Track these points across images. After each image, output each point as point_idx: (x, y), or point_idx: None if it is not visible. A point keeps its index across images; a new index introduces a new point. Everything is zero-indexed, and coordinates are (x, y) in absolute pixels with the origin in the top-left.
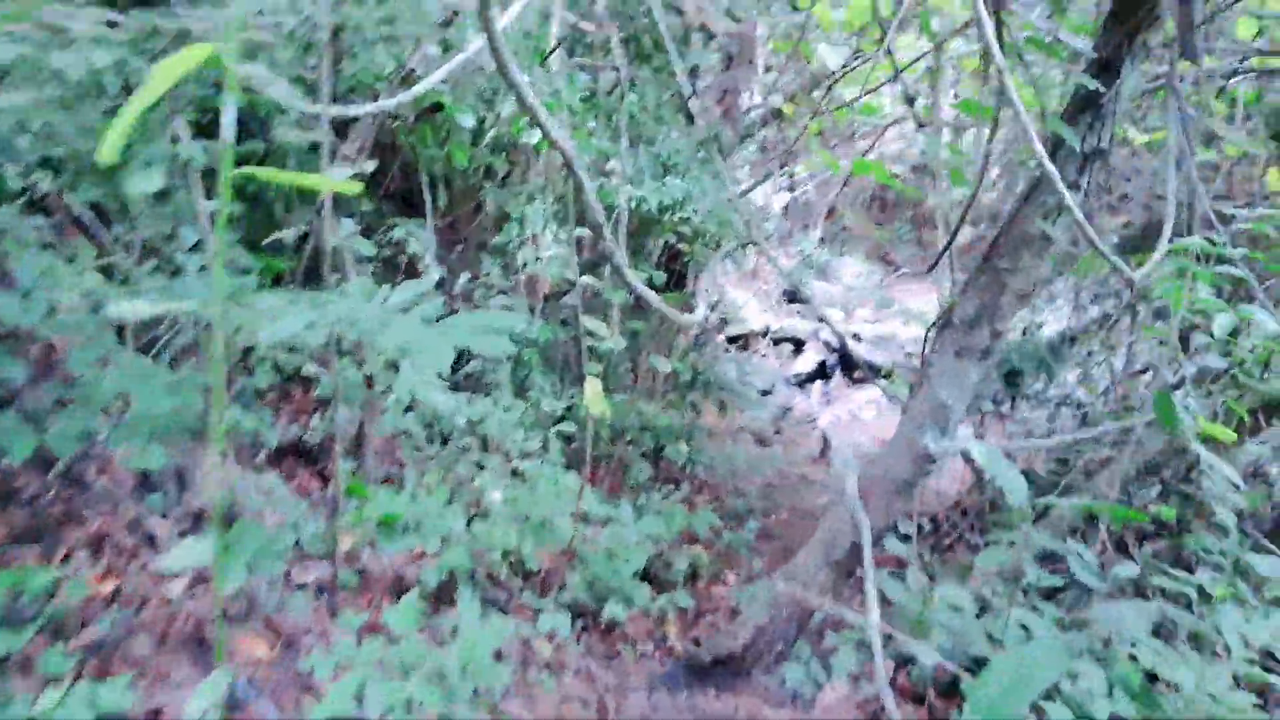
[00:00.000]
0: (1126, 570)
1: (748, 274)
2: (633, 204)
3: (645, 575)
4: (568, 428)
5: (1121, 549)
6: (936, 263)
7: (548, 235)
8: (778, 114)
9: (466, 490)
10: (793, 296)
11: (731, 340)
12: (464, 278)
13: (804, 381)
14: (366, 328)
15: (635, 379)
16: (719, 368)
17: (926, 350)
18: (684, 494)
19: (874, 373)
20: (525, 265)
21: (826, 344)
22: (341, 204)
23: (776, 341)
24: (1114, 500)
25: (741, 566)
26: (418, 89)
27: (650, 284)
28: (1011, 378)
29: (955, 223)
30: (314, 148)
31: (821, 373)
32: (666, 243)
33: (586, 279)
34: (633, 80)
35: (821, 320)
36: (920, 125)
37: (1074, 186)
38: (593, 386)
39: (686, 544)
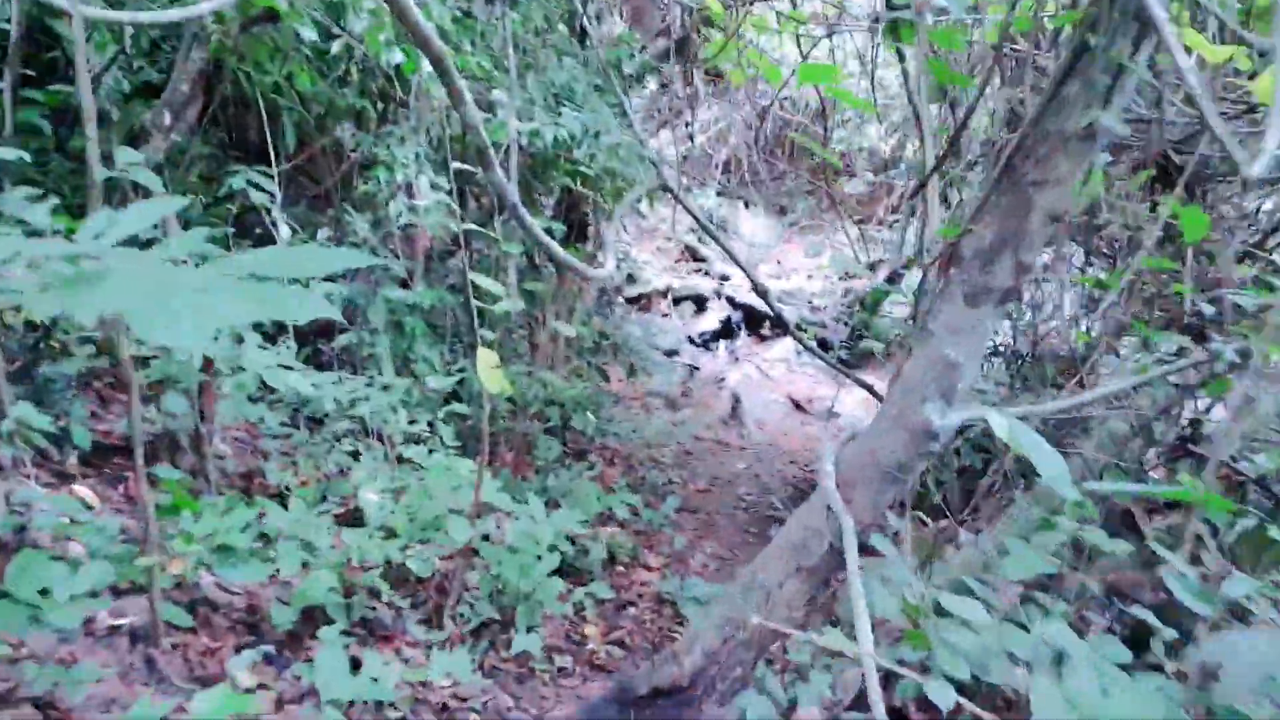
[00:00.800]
0: (1240, 586)
1: (645, 231)
2: (524, 139)
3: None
4: (460, 407)
5: (1129, 525)
6: (918, 190)
7: (424, 181)
8: (707, 22)
9: (339, 485)
10: (693, 253)
11: (631, 301)
12: (321, 234)
13: (709, 340)
14: (61, 279)
15: (534, 346)
16: (625, 329)
17: (922, 300)
18: (594, 469)
19: (783, 327)
20: (400, 217)
21: (730, 300)
22: (145, 140)
23: (678, 300)
24: (1106, 464)
25: (663, 545)
26: None
27: (549, 234)
28: None
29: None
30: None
31: (726, 331)
32: (564, 188)
33: (470, 226)
34: None
35: (727, 279)
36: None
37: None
38: (486, 359)
39: (600, 525)
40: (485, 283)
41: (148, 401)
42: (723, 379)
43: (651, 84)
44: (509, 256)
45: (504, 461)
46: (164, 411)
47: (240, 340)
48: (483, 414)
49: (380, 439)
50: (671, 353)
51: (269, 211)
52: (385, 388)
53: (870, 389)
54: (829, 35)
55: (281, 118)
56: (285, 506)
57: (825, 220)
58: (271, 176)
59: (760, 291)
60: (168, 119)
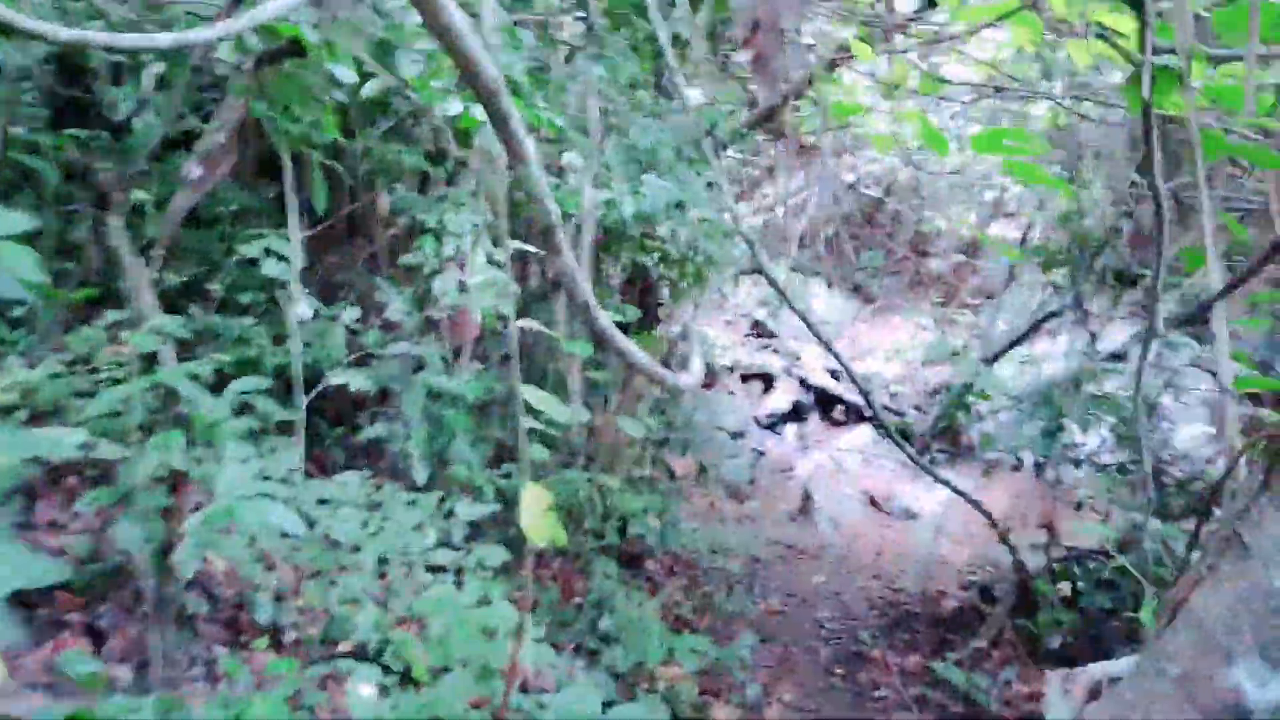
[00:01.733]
0: None
1: (711, 303)
2: (600, 212)
3: None
4: (497, 529)
5: None
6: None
7: (479, 255)
8: (842, 54)
9: (344, 621)
10: (761, 329)
11: None
12: (350, 313)
13: (776, 423)
14: None
15: (593, 435)
16: (697, 420)
17: (1224, 478)
18: (654, 593)
19: (859, 415)
20: (446, 296)
21: (801, 381)
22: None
23: (745, 378)
24: None
25: (733, 691)
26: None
27: (619, 324)
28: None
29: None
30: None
31: (796, 413)
32: (639, 266)
33: (527, 322)
34: (599, 48)
35: (798, 358)
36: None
37: None
38: (534, 500)
39: (660, 665)
40: (535, 396)
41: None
42: (792, 468)
43: (732, 152)
44: (573, 357)
45: (552, 575)
46: (118, 548)
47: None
48: (525, 577)
49: (400, 565)
50: (737, 435)
51: (285, 285)
52: (412, 502)
53: (956, 489)
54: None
55: (312, 172)
56: (280, 646)
57: (904, 300)
58: (289, 241)
59: (850, 373)
60: (197, 172)
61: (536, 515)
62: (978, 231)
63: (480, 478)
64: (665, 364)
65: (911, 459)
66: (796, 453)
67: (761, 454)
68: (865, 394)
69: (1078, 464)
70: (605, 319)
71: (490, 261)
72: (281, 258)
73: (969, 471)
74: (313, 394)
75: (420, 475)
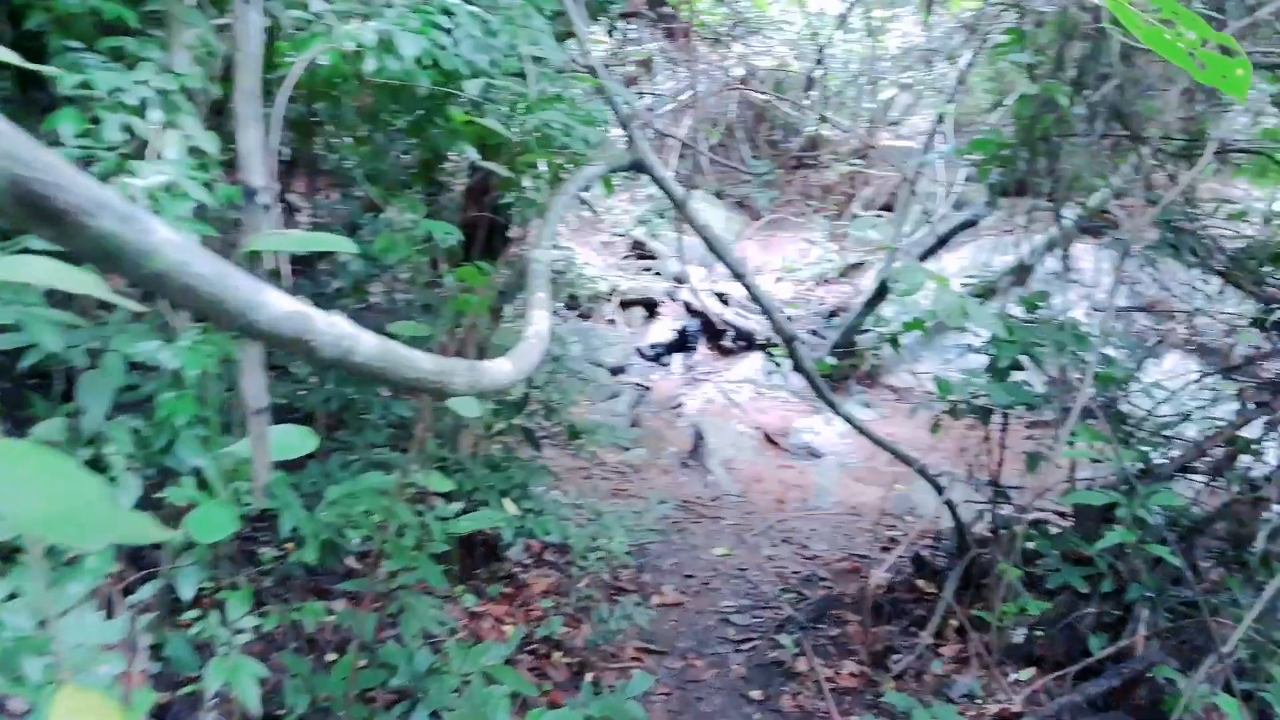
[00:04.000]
0: None
1: (585, 222)
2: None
3: None
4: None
5: None
6: None
7: (174, 142)
8: None
9: None
10: (642, 250)
11: (568, 305)
12: None
13: (661, 354)
14: None
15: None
16: (565, 367)
17: None
18: (515, 582)
19: (749, 343)
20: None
21: (687, 307)
22: None
23: (625, 305)
24: None
25: None
26: None
27: (428, 243)
28: None
29: None
30: None
31: (682, 343)
32: (470, 164)
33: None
34: None
35: (682, 281)
36: None
37: None
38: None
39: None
40: None
41: None
42: (680, 405)
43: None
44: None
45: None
46: None
47: None
48: None
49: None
50: (618, 370)
51: None
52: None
53: (834, 405)
54: None
55: None
56: None
57: (794, 215)
58: None
59: (760, 300)
60: None
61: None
62: (869, 138)
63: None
64: (503, 298)
65: (831, 405)
66: (684, 387)
67: (646, 389)
68: (785, 334)
69: (1031, 407)
70: (279, 306)
71: (194, 153)
72: None
73: (894, 410)
74: None
75: (128, 491)
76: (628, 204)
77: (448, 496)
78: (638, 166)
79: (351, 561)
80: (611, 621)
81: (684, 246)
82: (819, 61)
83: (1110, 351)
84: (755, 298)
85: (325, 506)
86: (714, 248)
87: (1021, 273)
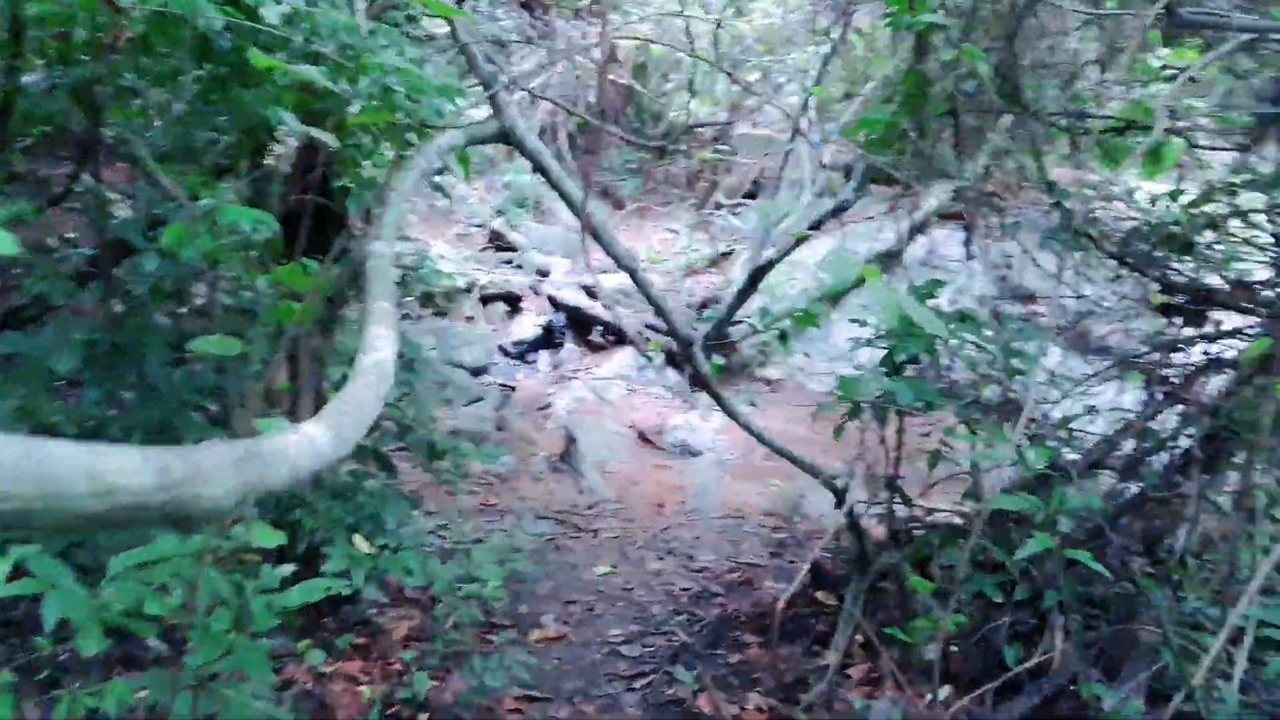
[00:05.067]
0: None
1: (439, 212)
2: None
3: None
4: None
5: None
6: None
7: None
8: None
9: None
10: (502, 241)
11: (424, 301)
12: None
13: (526, 351)
14: None
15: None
16: (422, 377)
17: None
18: (371, 628)
19: (619, 338)
20: None
21: (552, 301)
22: None
23: (485, 300)
24: None
25: None
26: None
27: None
28: None
29: None
30: None
31: (548, 339)
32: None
33: None
34: None
35: (546, 273)
36: None
37: None
38: None
39: None
40: None
41: None
42: (548, 405)
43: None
44: None
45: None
46: None
47: None
48: None
49: None
50: (480, 370)
51: None
52: None
53: (734, 413)
54: None
55: None
56: None
57: (658, 204)
58: None
59: (649, 294)
60: None
61: None
62: (730, 125)
63: None
64: (337, 303)
65: (733, 415)
66: (552, 385)
67: (511, 390)
68: (682, 337)
69: (931, 405)
70: None
71: None
72: None
73: (787, 409)
74: None
75: None
76: (483, 190)
77: (281, 552)
78: (505, 137)
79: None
80: (486, 674)
81: (547, 237)
82: (688, 43)
83: (1016, 344)
84: (647, 295)
85: (108, 582)
86: (598, 236)
87: (889, 259)
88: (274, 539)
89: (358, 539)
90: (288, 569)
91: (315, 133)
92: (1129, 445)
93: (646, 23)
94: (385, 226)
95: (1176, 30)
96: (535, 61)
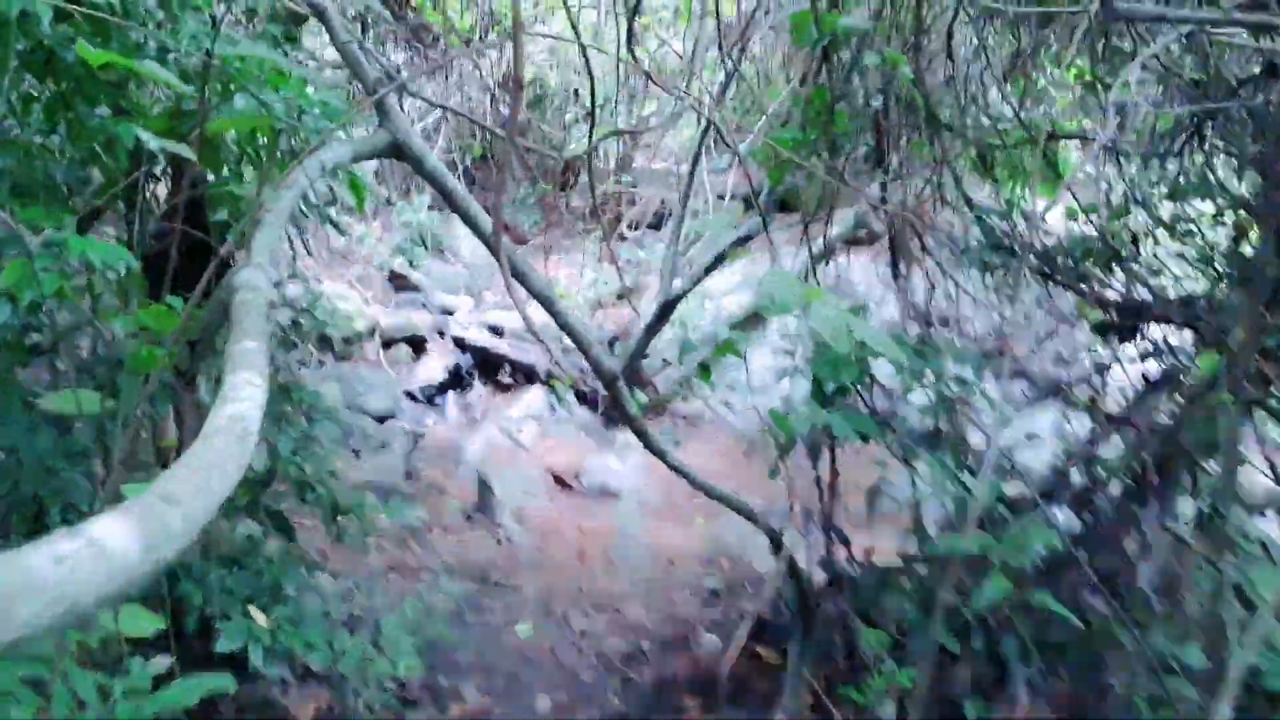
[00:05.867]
0: None
1: (337, 253)
2: None
3: None
4: None
5: None
6: None
7: None
8: None
9: None
10: (403, 281)
11: (322, 342)
12: None
13: (434, 395)
14: None
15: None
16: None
17: None
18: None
19: (529, 377)
20: None
21: (458, 342)
22: None
23: (388, 344)
24: None
25: None
26: None
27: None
28: None
29: None
30: None
31: (456, 380)
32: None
33: None
34: None
35: (450, 313)
36: None
37: None
38: None
39: None
40: None
41: None
42: (459, 450)
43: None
44: None
45: None
46: None
47: None
48: None
49: None
50: (385, 417)
51: None
52: None
53: (662, 454)
54: None
55: None
56: None
57: (561, 238)
58: None
59: (573, 332)
60: None
61: None
62: (621, 156)
63: None
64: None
65: (661, 455)
66: (462, 429)
67: (420, 436)
68: (606, 372)
69: (866, 439)
70: None
71: None
72: None
73: (705, 444)
74: None
75: None
76: (380, 229)
77: (163, 640)
78: (397, 151)
79: None
80: None
81: (449, 276)
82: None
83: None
84: (565, 326)
85: None
86: (513, 264)
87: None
88: (148, 625)
89: (255, 612)
90: (163, 662)
91: (172, 146)
92: (1074, 474)
93: (541, 52)
94: (257, 251)
95: (1112, 22)
96: (431, 93)
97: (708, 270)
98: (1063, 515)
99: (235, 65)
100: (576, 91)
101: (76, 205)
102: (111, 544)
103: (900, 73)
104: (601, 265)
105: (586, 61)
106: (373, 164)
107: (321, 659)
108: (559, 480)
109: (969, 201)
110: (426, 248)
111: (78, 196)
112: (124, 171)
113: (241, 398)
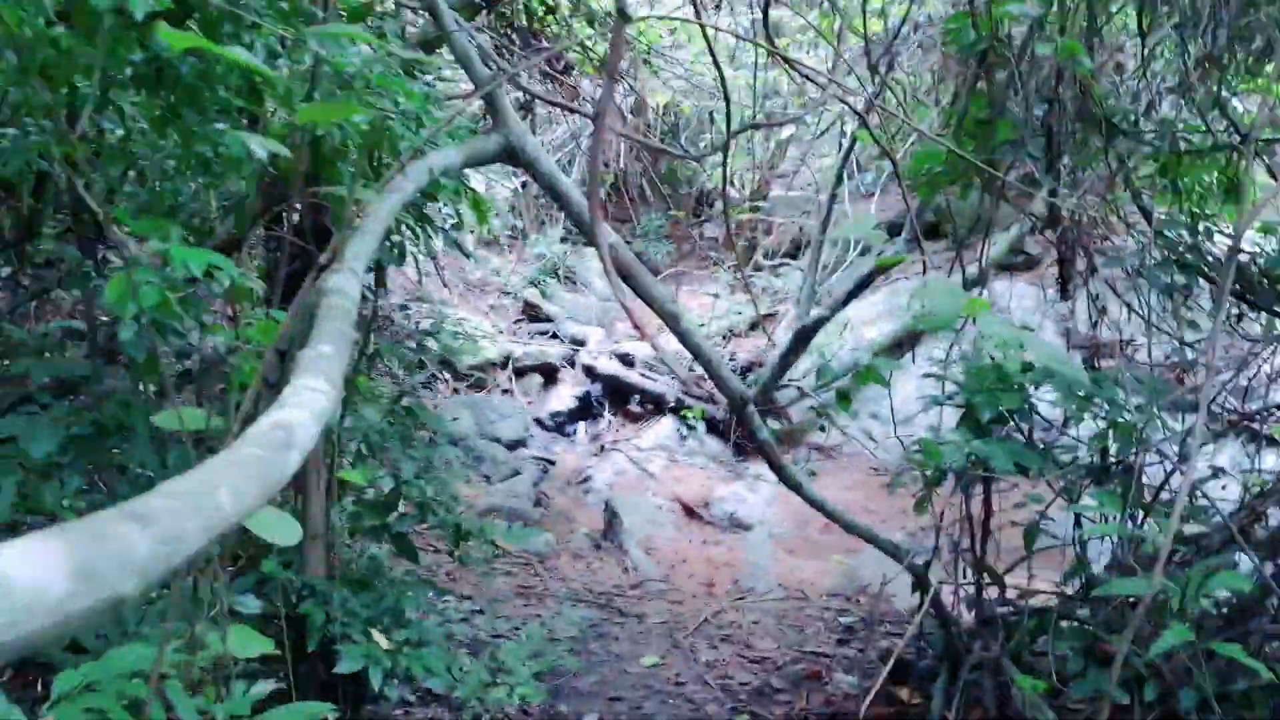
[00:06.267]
0: None
1: (472, 286)
2: None
3: None
4: None
5: None
6: None
7: None
8: None
9: None
10: (535, 311)
11: (454, 371)
12: None
13: (564, 423)
14: None
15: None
16: (444, 456)
17: None
18: None
19: (659, 407)
20: None
21: (588, 371)
22: None
23: (520, 373)
24: None
25: None
26: None
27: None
28: None
29: None
30: None
31: (585, 409)
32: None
33: None
34: None
35: (581, 343)
36: None
37: None
38: None
39: None
40: None
41: None
42: (588, 478)
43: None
44: None
45: None
46: None
47: None
48: None
49: None
50: (516, 444)
51: None
52: None
53: (796, 486)
54: None
55: None
56: None
57: (695, 268)
58: None
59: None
60: None
61: None
62: (758, 185)
63: None
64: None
65: (796, 487)
66: (591, 458)
67: (550, 464)
68: (736, 396)
69: (1026, 472)
70: None
71: None
72: None
73: (842, 477)
74: None
75: None
76: (515, 261)
77: (269, 662)
78: (512, 155)
79: None
80: None
81: (581, 306)
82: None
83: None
84: (693, 348)
85: (50, 708)
86: (630, 278)
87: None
88: (256, 646)
89: (376, 635)
90: (265, 687)
91: (274, 146)
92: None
93: (678, 78)
94: (350, 257)
95: None
96: (563, 130)
97: (849, 296)
98: (1249, 557)
99: (348, 70)
100: (712, 115)
101: (218, 233)
102: (14, 575)
103: (1078, 63)
104: (735, 294)
105: (721, 79)
106: (505, 193)
107: (442, 683)
108: (688, 510)
109: (1147, 215)
110: (559, 279)
111: (219, 224)
112: (254, 192)
113: (295, 404)
